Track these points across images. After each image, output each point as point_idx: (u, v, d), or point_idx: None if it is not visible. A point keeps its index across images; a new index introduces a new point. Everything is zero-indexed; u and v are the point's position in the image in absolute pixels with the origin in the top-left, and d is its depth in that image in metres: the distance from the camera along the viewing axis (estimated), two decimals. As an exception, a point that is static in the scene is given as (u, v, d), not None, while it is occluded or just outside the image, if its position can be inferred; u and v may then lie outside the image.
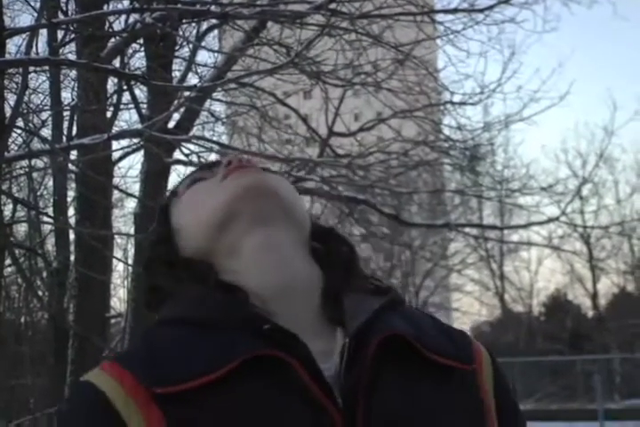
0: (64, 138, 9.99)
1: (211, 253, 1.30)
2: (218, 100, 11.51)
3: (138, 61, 10.85)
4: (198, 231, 1.31)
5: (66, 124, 10.75)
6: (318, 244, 1.37)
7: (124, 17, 9.35)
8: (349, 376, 1.14)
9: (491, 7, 9.80)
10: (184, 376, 1.11)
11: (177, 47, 10.36)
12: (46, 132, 10.84)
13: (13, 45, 11.05)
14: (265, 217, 1.28)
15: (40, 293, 13.90)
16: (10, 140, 9.07)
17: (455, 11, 9.79)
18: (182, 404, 1.10)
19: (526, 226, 20.81)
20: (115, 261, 11.33)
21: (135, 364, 1.16)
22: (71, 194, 11.03)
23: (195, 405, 1.10)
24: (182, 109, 9.37)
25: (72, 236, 10.66)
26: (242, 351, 1.13)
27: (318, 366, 1.13)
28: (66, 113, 10.73)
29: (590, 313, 33.55)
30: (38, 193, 13.01)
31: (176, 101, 7.68)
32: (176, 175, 11.08)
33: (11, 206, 12.48)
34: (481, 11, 9.84)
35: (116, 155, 10.26)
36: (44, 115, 11.05)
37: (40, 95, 11.37)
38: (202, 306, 1.23)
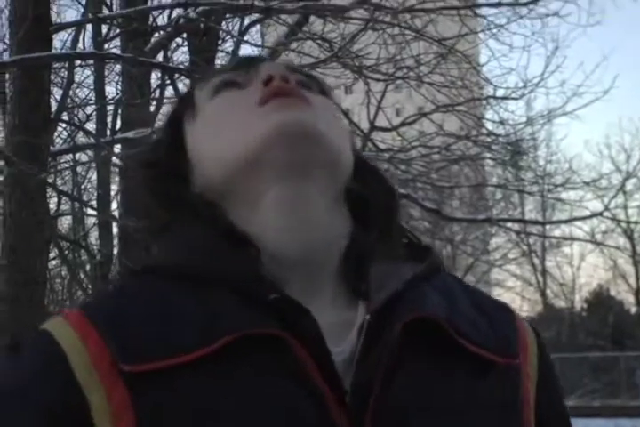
0: (108, 132, 10.06)
1: (226, 195, 1.07)
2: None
3: (181, 56, 10.92)
4: (217, 168, 1.07)
5: (110, 118, 10.84)
6: (356, 183, 1.12)
7: (167, 12, 9.40)
8: (365, 364, 0.94)
9: (535, 1, 9.75)
10: (159, 351, 0.91)
11: (220, 42, 10.38)
12: (91, 126, 10.93)
13: (58, 40, 11.14)
14: (302, 169, 1.04)
15: (84, 285, 14.03)
16: (55, 133, 9.17)
17: (499, 4, 9.75)
18: (154, 384, 0.90)
19: (569, 221, 20.72)
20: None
21: (103, 321, 0.95)
22: (115, 188, 11.12)
23: (168, 387, 0.90)
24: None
25: (115, 229, 10.74)
26: (233, 326, 0.92)
27: (327, 349, 0.92)
28: (110, 107, 10.82)
29: (633, 309, 33.30)
30: (82, 186, 13.12)
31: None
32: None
33: (55, 199, 12.60)
34: (525, 4, 9.79)
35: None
36: (89, 109, 11.15)
37: (85, 89, 11.50)
38: (199, 254, 1.02)
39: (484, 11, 10.30)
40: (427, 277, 1.05)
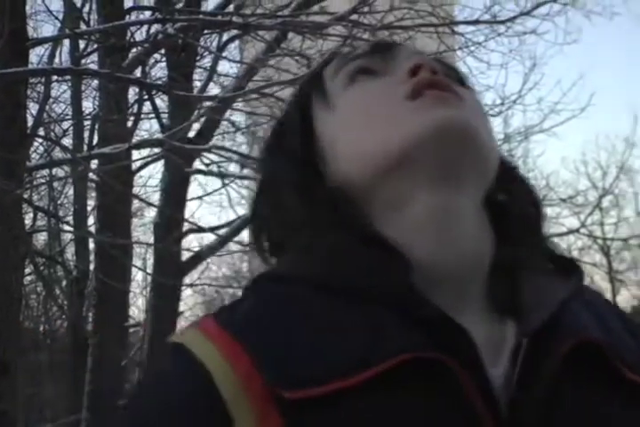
0: (85, 147, 10.04)
1: (368, 195, 0.95)
2: (238, 110, 11.50)
3: (159, 71, 10.92)
4: (361, 164, 0.95)
5: (87, 134, 10.85)
6: (499, 190, 1.01)
7: (145, 27, 9.40)
8: (524, 391, 0.83)
9: (512, 19, 9.78)
10: (317, 375, 0.80)
11: (198, 57, 10.40)
12: (67, 142, 10.92)
13: (35, 55, 11.11)
14: (457, 173, 0.93)
15: (59, 301, 13.95)
16: (32, 149, 9.13)
17: (477, 22, 9.78)
18: (310, 412, 0.79)
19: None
20: (134, 270, 11.36)
21: (250, 337, 0.85)
22: (91, 203, 11.08)
23: (325, 414, 0.79)
24: (203, 119, 9.39)
25: (92, 245, 10.69)
26: (397, 347, 0.81)
27: (487, 374, 0.82)
28: (87, 122, 10.82)
29: (609, 326, 33.42)
30: (59, 202, 13.07)
31: (196, 111, 7.70)
32: (196, 185, 11.09)
33: (31, 215, 12.53)
34: (502, 22, 9.82)
35: (136, 164, 10.28)
36: (66, 124, 11.15)
37: (62, 105, 11.48)
38: (345, 262, 0.90)
39: (461, 28, 10.32)
40: (577, 295, 0.94)
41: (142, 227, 17.03)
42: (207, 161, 9.24)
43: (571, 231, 17.81)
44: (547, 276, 0.94)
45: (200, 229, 9.62)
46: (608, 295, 32.18)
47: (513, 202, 1.02)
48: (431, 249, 0.92)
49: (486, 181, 0.97)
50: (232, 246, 10.83)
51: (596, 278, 32.66)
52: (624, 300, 34.59)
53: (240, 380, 0.81)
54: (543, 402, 0.82)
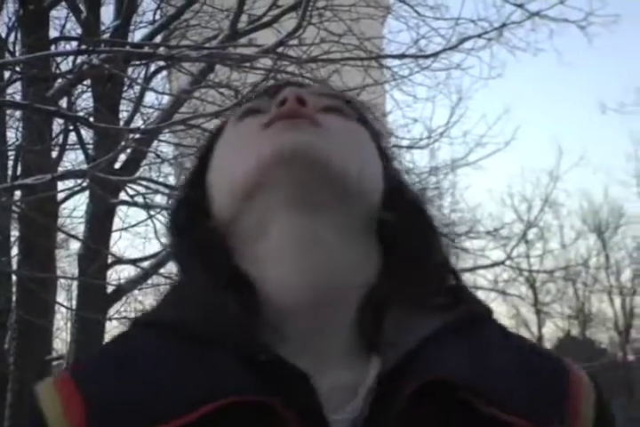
0: (8, 178, 9.89)
1: (235, 228, 0.97)
2: (165, 141, 11.48)
3: (85, 102, 10.83)
4: (223, 198, 0.98)
5: (10, 164, 10.67)
6: (390, 214, 1.00)
7: (71, 58, 9.33)
8: None
9: (437, 53, 9.90)
10: (138, 422, 0.83)
11: (124, 88, 10.35)
12: (-10, 172, 10.74)
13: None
14: (306, 197, 0.92)
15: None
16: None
17: (403, 56, 9.88)
18: None
19: (472, 269, 20.92)
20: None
21: (92, 387, 0.89)
22: (14, 234, 10.91)
23: None
24: (128, 150, 9.33)
25: (14, 277, 10.53)
26: (220, 391, 0.82)
27: (324, 419, 0.82)
28: (10, 153, 10.66)
29: (536, 357, 33.74)
30: (-19, 233, 12.85)
31: (122, 142, 7.65)
32: (119, 217, 10.99)
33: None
34: (428, 56, 9.94)
35: (60, 195, 10.17)
36: (-12, 155, 10.95)
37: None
38: (196, 308, 0.93)
39: (388, 62, 10.43)
40: (458, 329, 0.92)
41: (68, 258, 16.83)
42: (133, 192, 9.18)
43: (496, 264, 17.97)
44: (416, 311, 0.92)
45: (124, 261, 9.53)
46: (534, 328, 32.52)
47: (402, 228, 1.00)
48: (282, 281, 0.92)
49: (352, 203, 0.95)
50: (157, 278, 10.76)
51: (522, 311, 33.02)
52: (549, 331, 35.04)
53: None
54: None
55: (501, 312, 36.35)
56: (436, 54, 9.94)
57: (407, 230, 1.00)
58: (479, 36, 10.23)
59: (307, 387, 0.82)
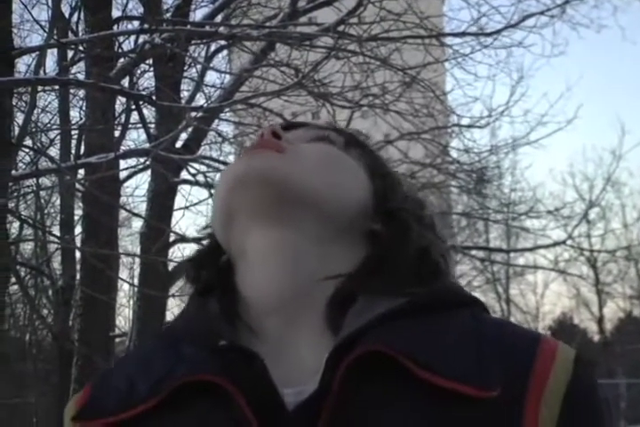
0: (71, 157, 10.01)
1: (231, 252, 1.10)
2: (226, 120, 11.56)
3: (147, 81, 10.92)
4: (216, 223, 1.12)
5: (74, 144, 10.79)
6: (381, 224, 1.10)
7: (133, 37, 9.40)
8: (309, 406, 0.91)
9: (499, 31, 9.84)
10: (119, 406, 0.98)
11: (186, 67, 10.40)
12: (54, 151, 10.90)
13: (24, 64, 11.09)
14: (259, 212, 1.04)
15: (45, 311, 13.91)
16: (18, 158, 9.11)
17: (463, 34, 9.82)
18: None
19: (533, 249, 20.78)
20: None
21: (101, 389, 1.05)
22: (78, 213, 11.05)
23: None
24: (190, 129, 9.39)
25: (78, 255, 10.66)
26: (178, 375, 0.96)
27: (275, 391, 0.92)
28: (74, 132, 10.77)
29: (596, 337, 33.43)
30: (45, 212, 13.04)
31: (183, 121, 7.70)
32: (182, 195, 11.07)
33: (17, 225, 12.50)
34: (489, 34, 9.87)
35: (123, 174, 10.28)
36: (52, 134, 11.10)
37: (48, 114, 11.47)
38: (181, 317, 1.10)
39: (449, 40, 10.39)
40: (416, 312, 0.99)
41: (130, 237, 17.06)
42: (194, 171, 9.24)
43: (557, 243, 17.78)
44: (381, 300, 0.99)
45: (186, 239, 9.60)
46: (594, 308, 32.23)
47: (384, 233, 1.10)
48: (257, 287, 1.05)
49: (322, 215, 1.05)
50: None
51: (583, 291, 32.76)
52: (610, 312, 34.72)
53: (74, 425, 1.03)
54: (327, 416, 0.89)
55: (562, 292, 36.09)
56: (497, 32, 9.87)
57: (388, 235, 1.09)
58: (541, 13, 10.15)
59: (257, 366, 0.93)
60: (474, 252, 20.15)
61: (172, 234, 9.51)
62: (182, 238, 9.67)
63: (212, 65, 10.32)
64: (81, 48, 8.73)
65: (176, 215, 10.69)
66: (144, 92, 8.76)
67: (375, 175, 1.15)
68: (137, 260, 10.72)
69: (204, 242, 1.22)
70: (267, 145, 1.10)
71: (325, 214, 1.06)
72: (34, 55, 8.24)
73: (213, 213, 1.12)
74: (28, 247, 14.90)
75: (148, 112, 10.42)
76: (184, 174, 9.62)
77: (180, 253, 11.24)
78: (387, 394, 0.91)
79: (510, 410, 0.91)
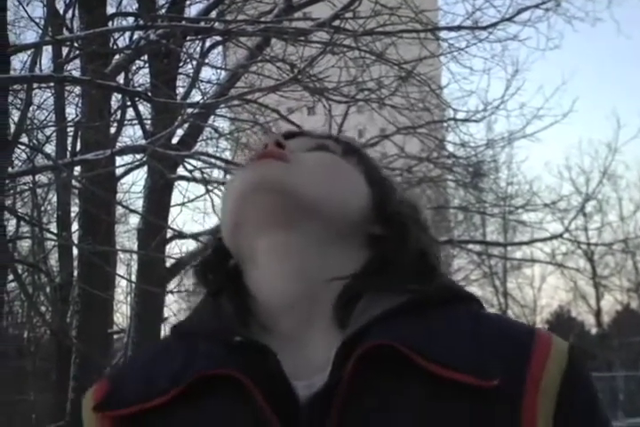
0: (68, 154, 10.00)
1: (240, 258, 1.16)
2: (222, 116, 11.54)
3: (142, 78, 10.91)
4: (225, 229, 1.17)
5: (70, 140, 10.78)
6: (380, 228, 1.17)
7: (128, 34, 9.39)
8: (320, 399, 0.95)
9: (494, 25, 9.83)
10: (139, 397, 1.03)
11: (181, 64, 10.39)
12: (50, 148, 10.87)
13: (19, 62, 11.09)
14: (268, 219, 1.10)
15: (43, 308, 13.90)
16: (14, 155, 9.10)
17: (459, 28, 9.82)
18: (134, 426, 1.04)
19: (530, 242, 20.82)
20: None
21: (119, 381, 1.10)
22: (75, 210, 11.04)
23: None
24: (186, 126, 9.38)
25: (75, 251, 10.66)
26: (197, 369, 1.01)
27: (287, 385, 0.97)
28: (70, 129, 10.76)
29: (594, 330, 33.51)
30: (42, 209, 13.02)
31: (180, 118, 7.70)
32: (179, 191, 11.06)
33: (14, 222, 12.49)
34: (484, 28, 9.87)
35: (119, 171, 10.26)
36: (48, 131, 11.07)
37: (44, 111, 11.42)
38: (194, 316, 1.15)
39: (444, 34, 10.36)
40: (417, 309, 1.04)
41: (127, 233, 17.04)
42: (190, 167, 9.23)
43: (554, 236, 17.82)
44: (385, 297, 1.06)
45: (183, 235, 9.60)
46: (592, 301, 32.28)
47: (385, 236, 1.16)
48: (268, 288, 1.10)
49: (324, 220, 1.11)
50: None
51: (581, 284, 32.79)
52: (608, 304, 34.76)
53: (97, 416, 1.07)
54: (338, 408, 0.94)
55: (559, 285, 36.17)
56: (492, 26, 9.87)
57: (390, 237, 1.15)
58: (536, 6, 10.15)
59: (271, 360, 0.99)
60: (471, 246, 20.18)
61: (169, 230, 9.51)
62: (179, 234, 9.66)
63: (207, 61, 10.32)
64: (76, 45, 8.71)
65: (173, 211, 10.70)
66: (140, 89, 8.77)
67: (373, 181, 1.21)
68: (134, 256, 10.70)
69: (206, 242, 1.27)
70: (272, 155, 1.15)
71: (329, 220, 1.12)
72: (29, 52, 8.24)
73: (223, 220, 1.17)
74: (25, 245, 14.88)
75: (144, 108, 10.41)
76: (180, 170, 9.60)
77: (178, 249, 11.25)
78: (394, 384, 0.97)
79: (510, 399, 0.97)
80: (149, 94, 7.67)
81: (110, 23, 9.66)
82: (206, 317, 1.12)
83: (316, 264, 1.10)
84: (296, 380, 0.98)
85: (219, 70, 10.51)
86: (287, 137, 1.25)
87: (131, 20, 10.19)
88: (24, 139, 9.59)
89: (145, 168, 10.10)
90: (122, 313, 18.63)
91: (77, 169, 8.93)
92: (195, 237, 9.27)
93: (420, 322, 1.02)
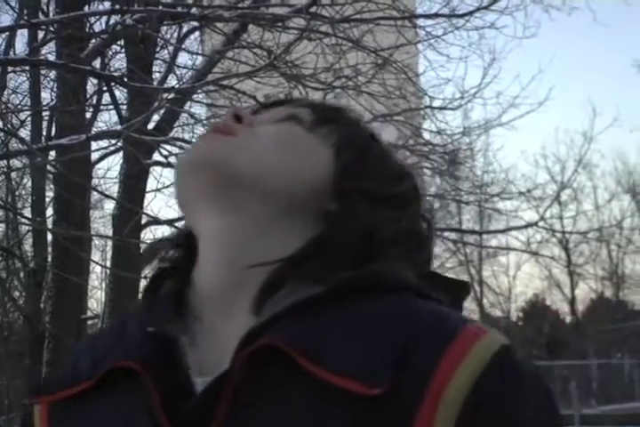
0: (43, 138, 9.96)
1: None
2: (198, 102, 11.49)
3: (118, 62, 10.84)
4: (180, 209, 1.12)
5: (45, 125, 10.73)
6: (336, 204, 1.06)
7: (104, 18, 9.33)
8: (204, 396, 0.91)
9: (471, 13, 9.83)
10: (63, 385, 1.03)
11: (158, 49, 10.36)
12: (25, 133, 10.80)
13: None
14: (201, 197, 1.03)
15: (17, 293, 13.85)
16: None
17: (436, 16, 9.81)
18: (57, 413, 1.05)
19: (505, 231, 20.95)
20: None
21: (65, 365, 1.10)
22: (50, 195, 11.00)
23: (62, 415, 1.04)
24: (162, 111, 9.34)
25: (50, 237, 10.62)
26: (110, 359, 0.99)
27: (190, 382, 0.95)
28: (45, 113, 10.71)
29: (568, 318, 33.77)
30: (16, 193, 12.96)
31: (156, 103, 7.66)
32: (154, 177, 11.03)
33: (-12, 206, 12.42)
34: (461, 16, 9.87)
35: (95, 156, 10.24)
36: (23, 115, 11.00)
37: (19, 95, 11.34)
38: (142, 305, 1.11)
39: (421, 22, 10.36)
40: (325, 301, 0.95)
41: (102, 219, 16.96)
42: (166, 153, 9.20)
43: (529, 225, 17.92)
44: (300, 287, 0.97)
45: (158, 221, 9.59)
46: (566, 289, 32.47)
47: (337, 215, 1.05)
48: (200, 274, 1.05)
49: (268, 199, 1.03)
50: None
51: (555, 272, 32.99)
52: (582, 293, 34.98)
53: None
54: (226, 406, 0.89)
55: (534, 274, 36.40)
56: (469, 13, 9.87)
57: (339, 215, 1.05)
58: (513, -6, 10.15)
59: (174, 352, 0.97)
60: (446, 233, 20.22)
61: (144, 216, 9.49)
62: (155, 220, 9.65)
63: (183, 46, 10.29)
64: (51, 29, 8.65)
65: (148, 197, 10.66)
66: (115, 74, 8.69)
67: (344, 152, 1.10)
68: (109, 242, 10.69)
69: (178, 225, 1.25)
70: (219, 129, 1.09)
71: (271, 196, 1.04)
72: (4, 36, 8.20)
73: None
74: (-1, 229, 14.81)
75: (120, 93, 10.37)
76: (156, 156, 9.57)
77: (153, 234, 11.23)
78: (281, 387, 0.91)
79: (402, 408, 0.88)
80: (125, 79, 7.62)
81: (86, 7, 9.59)
82: (147, 302, 1.08)
83: (252, 249, 1.02)
84: (202, 375, 0.94)
85: (195, 56, 10.50)
86: (271, 106, 1.19)
87: (107, 4, 10.09)
88: (-2, 123, 9.54)
89: (120, 153, 10.08)
90: (96, 299, 18.61)
91: (52, 154, 8.89)
92: (170, 222, 9.25)
93: (322, 317, 0.94)
